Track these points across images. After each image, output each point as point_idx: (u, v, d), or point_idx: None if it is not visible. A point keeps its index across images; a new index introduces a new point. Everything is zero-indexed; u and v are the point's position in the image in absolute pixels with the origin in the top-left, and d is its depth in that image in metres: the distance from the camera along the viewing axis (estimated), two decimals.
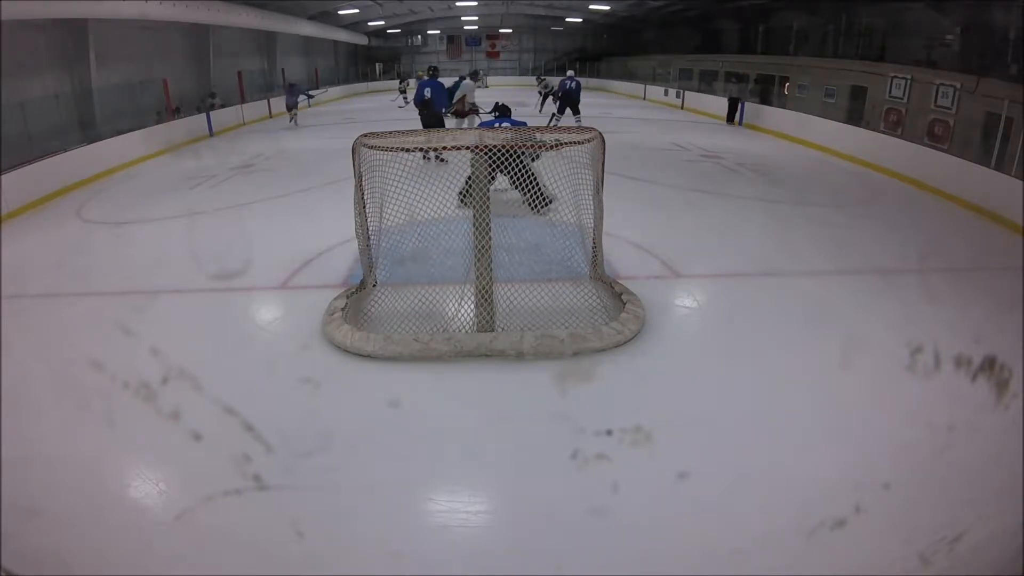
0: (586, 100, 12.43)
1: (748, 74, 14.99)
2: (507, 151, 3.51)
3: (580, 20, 26.05)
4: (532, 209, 4.56)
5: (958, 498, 2.38)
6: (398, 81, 20.44)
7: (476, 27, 28.39)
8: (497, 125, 5.79)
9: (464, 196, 5.01)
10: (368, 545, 2.28)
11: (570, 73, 13.17)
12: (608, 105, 17.79)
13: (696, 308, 4.38)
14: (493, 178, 4.25)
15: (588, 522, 2.33)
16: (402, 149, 3.67)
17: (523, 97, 16.68)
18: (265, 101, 16.42)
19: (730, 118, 13.59)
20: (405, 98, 17.23)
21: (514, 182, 4.12)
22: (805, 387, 3.25)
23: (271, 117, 16.07)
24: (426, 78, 9.12)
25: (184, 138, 11.93)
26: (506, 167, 3.69)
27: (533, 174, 4.22)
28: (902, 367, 3.27)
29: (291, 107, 14.49)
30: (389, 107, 16.89)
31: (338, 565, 2.17)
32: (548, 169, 4.01)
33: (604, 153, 3.96)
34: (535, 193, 4.30)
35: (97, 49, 10.65)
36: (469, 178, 4.53)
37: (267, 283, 4.67)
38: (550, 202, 4.57)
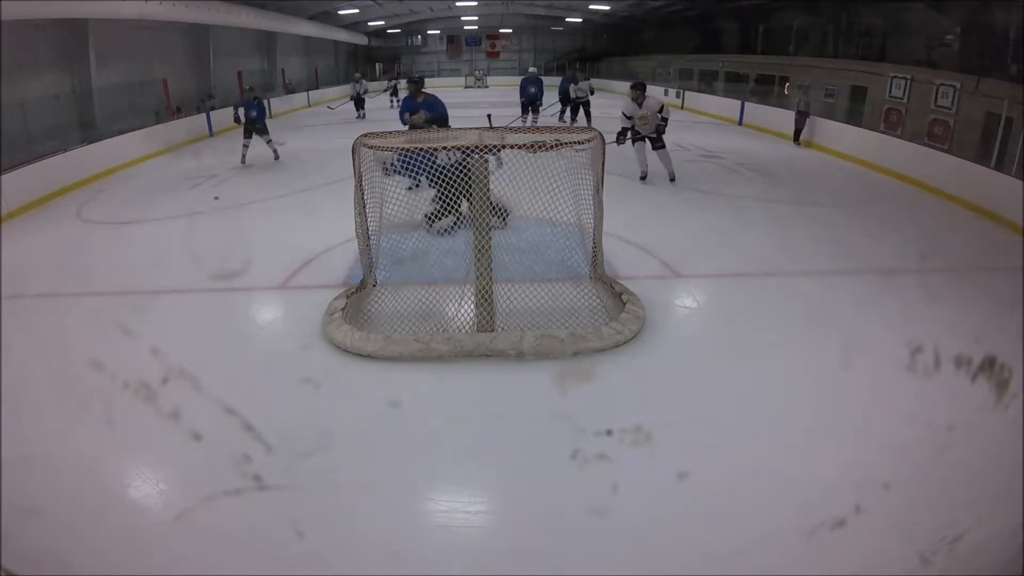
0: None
1: (748, 74, 14.98)
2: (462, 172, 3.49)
3: (580, 20, 26.04)
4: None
5: (958, 498, 2.38)
6: (394, 81, 19.03)
7: (476, 27, 28.38)
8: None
9: (434, 218, 4.62)
10: (368, 545, 2.28)
11: (533, 70, 12.79)
12: (608, 105, 17.69)
13: (696, 308, 4.38)
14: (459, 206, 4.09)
15: (588, 522, 2.33)
16: (402, 149, 3.68)
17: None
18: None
19: (797, 136, 10.72)
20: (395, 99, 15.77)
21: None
22: (805, 387, 3.25)
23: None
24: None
25: (184, 138, 11.93)
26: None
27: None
28: (902, 367, 3.26)
29: (255, 127, 9.42)
30: (387, 106, 16.86)
31: (338, 565, 2.17)
32: (547, 169, 4.00)
33: (604, 153, 3.96)
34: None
35: (97, 49, 10.64)
36: (436, 199, 4.30)
37: (267, 283, 4.67)
38: (506, 215, 4.46)
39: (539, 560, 2.18)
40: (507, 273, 3.86)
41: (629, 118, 7.34)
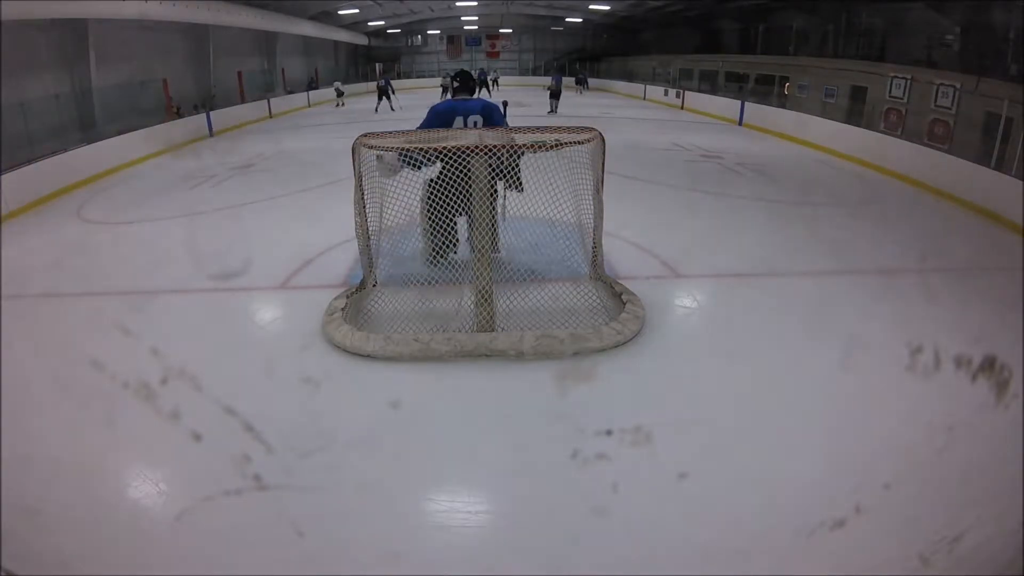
0: (586, 100, 12.47)
1: (748, 74, 14.98)
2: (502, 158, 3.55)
3: (580, 20, 26.06)
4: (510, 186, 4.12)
5: (958, 498, 2.38)
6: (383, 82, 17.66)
7: (476, 27, 28.40)
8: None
9: (438, 255, 4.14)
10: (368, 545, 2.28)
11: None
12: (608, 105, 17.78)
13: (696, 308, 4.38)
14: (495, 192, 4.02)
15: (588, 522, 2.33)
16: (402, 149, 3.67)
17: (521, 96, 16.65)
18: (265, 101, 16.48)
19: None
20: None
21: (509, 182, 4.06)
22: (805, 387, 3.24)
23: (271, 117, 16.10)
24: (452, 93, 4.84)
25: (184, 138, 11.93)
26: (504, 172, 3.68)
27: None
28: (902, 367, 3.26)
29: None
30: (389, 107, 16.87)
31: (338, 565, 2.17)
32: (548, 168, 4.00)
33: (604, 153, 3.96)
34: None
35: (97, 49, 10.66)
36: (433, 233, 4.02)
37: (267, 283, 4.67)
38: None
39: (539, 560, 2.18)
40: (507, 273, 3.86)
41: None
